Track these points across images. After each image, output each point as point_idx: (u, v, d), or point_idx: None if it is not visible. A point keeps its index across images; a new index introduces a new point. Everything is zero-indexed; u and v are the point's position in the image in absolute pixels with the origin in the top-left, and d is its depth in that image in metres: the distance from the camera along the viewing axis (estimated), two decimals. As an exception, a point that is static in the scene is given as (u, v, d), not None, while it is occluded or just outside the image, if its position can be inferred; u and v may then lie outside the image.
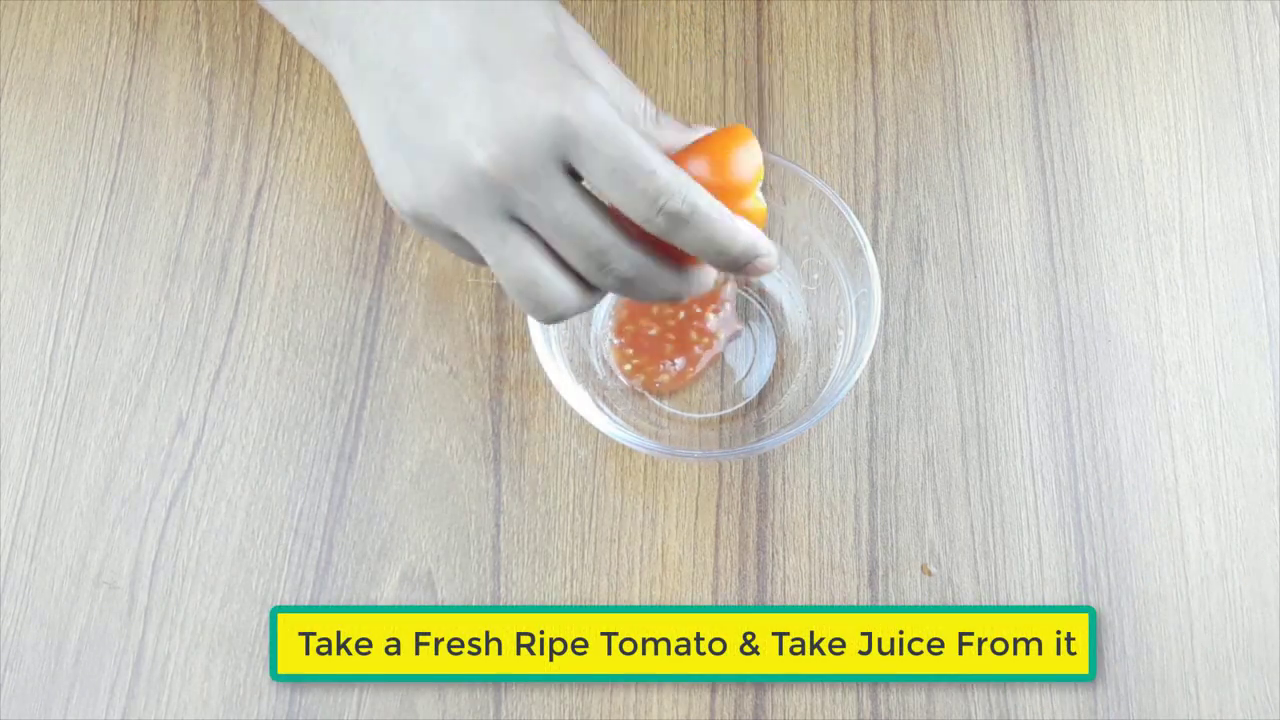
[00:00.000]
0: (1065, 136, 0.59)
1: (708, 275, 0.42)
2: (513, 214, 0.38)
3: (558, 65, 0.38)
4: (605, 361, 0.55)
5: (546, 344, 0.49)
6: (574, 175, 0.38)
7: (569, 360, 0.51)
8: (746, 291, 0.56)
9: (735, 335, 0.55)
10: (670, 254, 0.40)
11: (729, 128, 0.42)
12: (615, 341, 0.54)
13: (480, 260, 0.41)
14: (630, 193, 0.38)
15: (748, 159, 0.41)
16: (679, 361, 0.54)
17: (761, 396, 0.55)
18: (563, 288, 0.40)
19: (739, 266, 0.41)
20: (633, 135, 0.38)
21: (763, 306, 0.56)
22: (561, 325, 0.52)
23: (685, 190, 0.38)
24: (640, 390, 0.54)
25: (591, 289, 0.41)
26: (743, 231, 0.40)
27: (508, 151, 0.37)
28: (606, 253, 0.39)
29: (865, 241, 0.50)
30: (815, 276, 0.54)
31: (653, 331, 0.54)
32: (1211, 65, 0.60)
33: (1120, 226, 0.58)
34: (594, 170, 0.38)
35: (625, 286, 0.40)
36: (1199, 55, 0.61)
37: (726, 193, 0.40)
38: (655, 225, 0.39)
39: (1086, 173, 0.58)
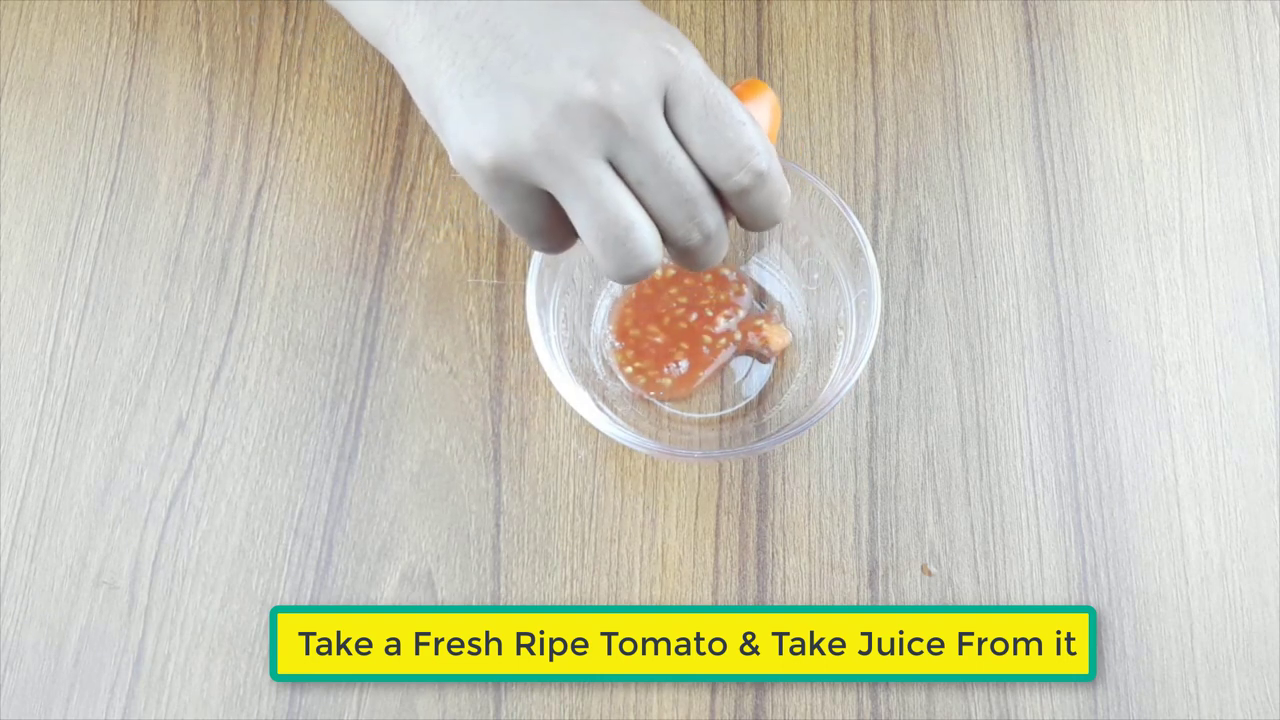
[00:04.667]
0: (1065, 136, 0.59)
1: None
2: (609, 155, 0.37)
3: (654, 17, 0.39)
4: (606, 362, 0.54)
5: (546, 344, 0.49)
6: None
7: (569, 361, 0.51)
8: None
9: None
10: None
11: (746, 82, 0.42)
12: (617, 345, 0.54)
13: (546, 231, 0.40)
14: (719, 140, 0.38)
15: (768, 111, 0.41)
16: (683, 364, 0.54)
17: (761, 396, 0.55)
18: (652, 237, 0.38)
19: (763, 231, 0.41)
20: (725, 87, 0.38)
21: (763, 307, 0.56)
22: (562, 325, 0.52)
23: (768, 149, 0.39)
24: (644, 396, 0.54)
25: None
26: (789, 198, 0.40)
27: (619, 81, 0.36)
28: (697, 202, 0.38)
29: (865, 241, 0.50)
30: (815, 276, 0.54)
31: (659, 339, 0.54)
32: (1211, 65, 0.60)
33: (1120, 226, 0.58)
34: (688, 112, 0.37)
35: (705, 243, 0.39)
36: (1199, 55, 0.61)
37: None
38: (736, 181, 0.38)
39: (1086, 173, 0.58)
